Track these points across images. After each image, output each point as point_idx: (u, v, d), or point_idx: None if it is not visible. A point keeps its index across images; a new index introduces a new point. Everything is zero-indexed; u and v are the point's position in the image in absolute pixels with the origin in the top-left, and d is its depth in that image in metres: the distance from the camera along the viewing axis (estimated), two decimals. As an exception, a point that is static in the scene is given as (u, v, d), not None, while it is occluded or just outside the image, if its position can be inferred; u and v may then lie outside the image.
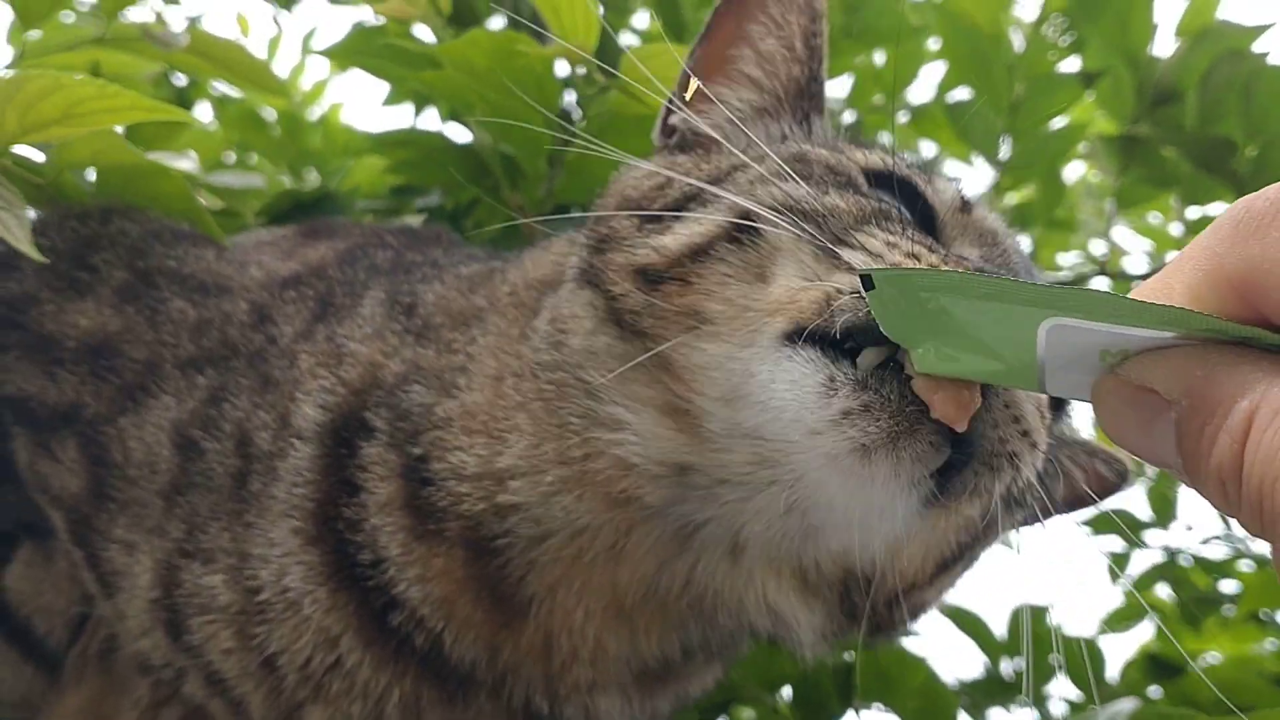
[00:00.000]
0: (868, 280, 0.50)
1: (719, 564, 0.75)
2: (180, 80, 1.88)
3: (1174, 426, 0.44)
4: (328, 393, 0.82)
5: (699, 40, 0.88)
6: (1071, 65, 1.57)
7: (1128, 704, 0.99)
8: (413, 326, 0.85)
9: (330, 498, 0.79)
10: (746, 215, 0.70)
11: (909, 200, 0.77)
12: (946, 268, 0.67)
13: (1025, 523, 0.74)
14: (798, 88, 0.88)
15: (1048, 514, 0.70)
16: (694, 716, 1.11)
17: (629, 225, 0.76)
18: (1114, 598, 2.10)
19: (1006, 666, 1.58)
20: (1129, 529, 2.03)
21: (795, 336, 0.65)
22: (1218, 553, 2.05)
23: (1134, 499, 2.09)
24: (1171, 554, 2.06)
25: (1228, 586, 2.05)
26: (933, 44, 1.69)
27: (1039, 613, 1.57)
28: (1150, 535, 2.08)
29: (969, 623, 1.55)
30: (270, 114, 1.79)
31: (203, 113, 1.89)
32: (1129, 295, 0.46)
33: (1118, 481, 0.91)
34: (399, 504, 0.78)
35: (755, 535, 0.73)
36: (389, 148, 1.29)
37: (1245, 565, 2.02)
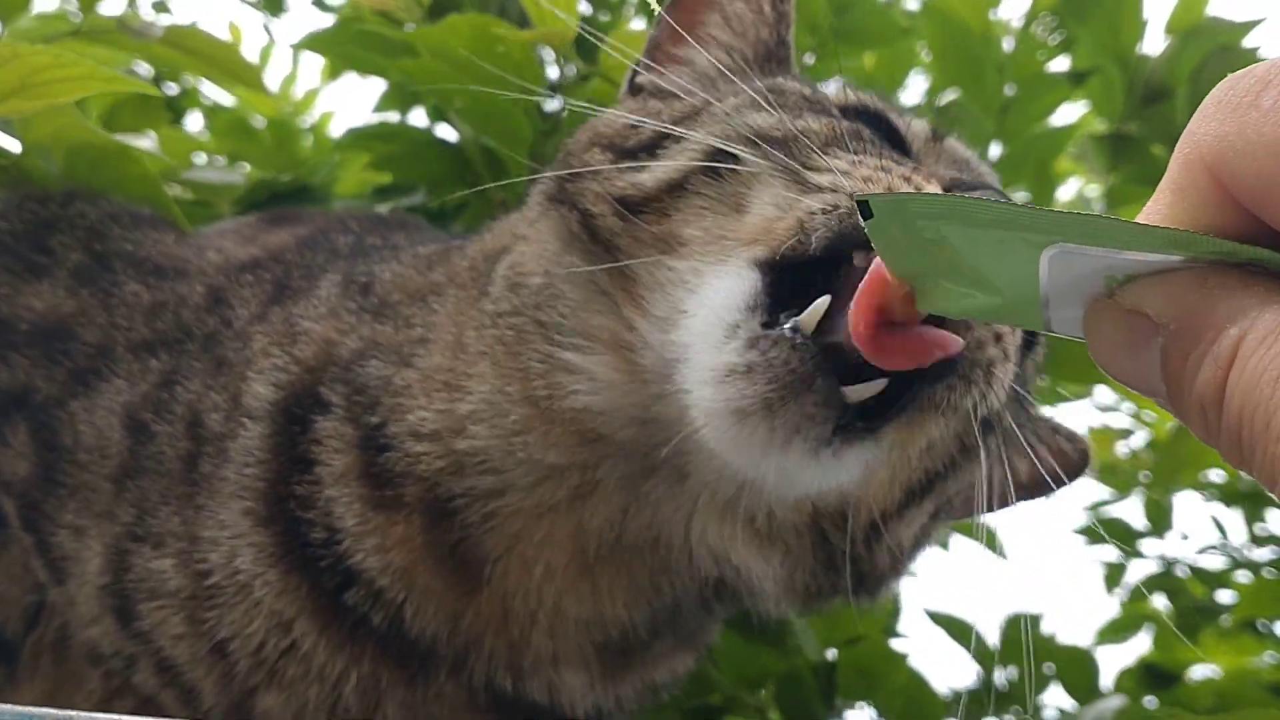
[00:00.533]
0: (865, 209, 0.47)
1: (676, 514, 0.74)
2: (171, 89, 1.88)
3: (1160, 351, 0.42)
4: (280, 370, 0.81)
5: (668, 6, 0.88)
6: (1061, 64, 1.56)
7: (1114, 701, 0.97)
8: (369, 305, 0.84)
9: (282, 477, 0.78)
10: (717, 150, 0.71)
11: (883, 132, 0.77)
12: (918, 178, 0.68)
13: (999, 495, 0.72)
14: (766, 50, 0.88)
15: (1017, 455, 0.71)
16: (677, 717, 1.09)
17: (604, 160, 0.76)
18: (1110, 608, 2.09)
19: (1000, 676, 1.56)
20: (1124, 539, 2.01)
21: (764, 268, 0.65)
22: (1214, 563, 2.03)
23: (1130, 508, 2.07)
24: (1168, 564, 2.04)
25: (1224, 597, 2.03)
26: (924, 49, 1.69)
27: (1033, 621, 1.56)
28: (1146, 545, 2.06)
29: (962, 632, 1.52)
30: (261, 122, 1.79)
31: (194, 122, 1.89)
32: None
33: (1080, 462, 0.88)
34: (355, 474, 0.76)
35: (704, 486, 0.72)
36: (370, 141, 1.27)
37: (1242, 576, 2.00)
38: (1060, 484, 0.84)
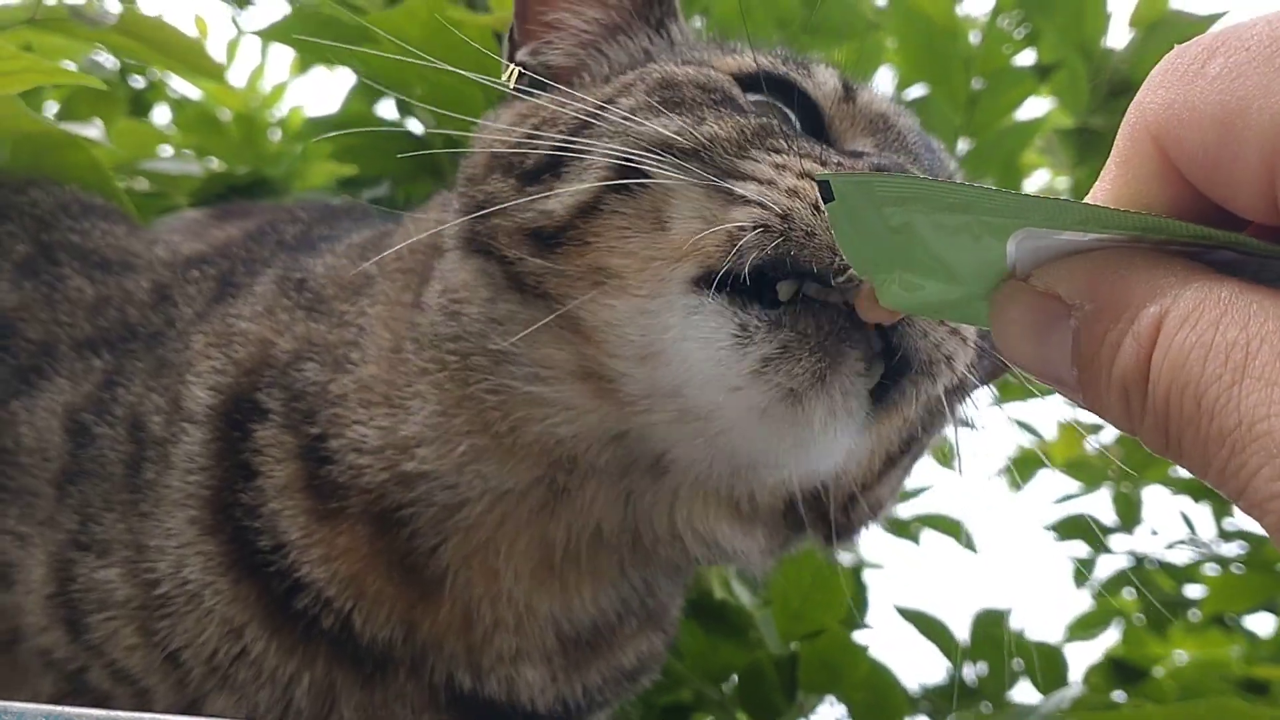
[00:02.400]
0: (827, 191, 0.45)
1: (656, 509, 0.73)
2: (138, 82, 1.85)
3: (1072, 334, 0.41)
4: (218, 373, 0.79)
5: None
6: (1027, 59, 1.56)
7: (1072, 690, 0.96)
8: (303, 301, 0.82)
9: (226, 484, 0.76)
10: (623, 163, 0.67)
11: (789, 98, 0.73)
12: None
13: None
14: None
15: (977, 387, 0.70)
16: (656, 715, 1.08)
17: (507, 187, 0.71)
18: (1080, 603, 2.09)
19: (969, 671, 1.55)
20: (1094, 533, 2.02)
21: (704, 282, 0.63)
22: (1183, 557, 2.03)
23: (1099, 503, 2.08)
24: (1137, 559, 2.05)
25: (1193, 591, 2.03)
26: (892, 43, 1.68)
27: (1001, 617, 1.56)
28: (1115, 540, 2.07)
29: (931, 627, 1.52)
30: (227, 116, 1.77)
31: (160, 115, 1.87)
32: None
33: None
34: (298, 486, 0.75)
35: (688, 481, 0.71)
36: (330, 130, 1.26)
37: (1211, 569, 2.01)
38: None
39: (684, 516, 0.73)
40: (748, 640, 1.00)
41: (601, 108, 0.71)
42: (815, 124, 0.74)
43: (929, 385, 0.65)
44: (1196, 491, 2.01)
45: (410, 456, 0.73)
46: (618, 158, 0.67)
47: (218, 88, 1.72)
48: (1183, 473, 2.00)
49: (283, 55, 1.99)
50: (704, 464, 0.69)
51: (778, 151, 0.66)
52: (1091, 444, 2.13)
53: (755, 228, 0.61)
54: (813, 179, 0.62)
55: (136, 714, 0.43)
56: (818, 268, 0.60)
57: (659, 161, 0.65)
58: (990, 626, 1.52)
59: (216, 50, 1.92)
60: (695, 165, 0.65)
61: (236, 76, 1.84)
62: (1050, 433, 2.09)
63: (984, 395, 0.85)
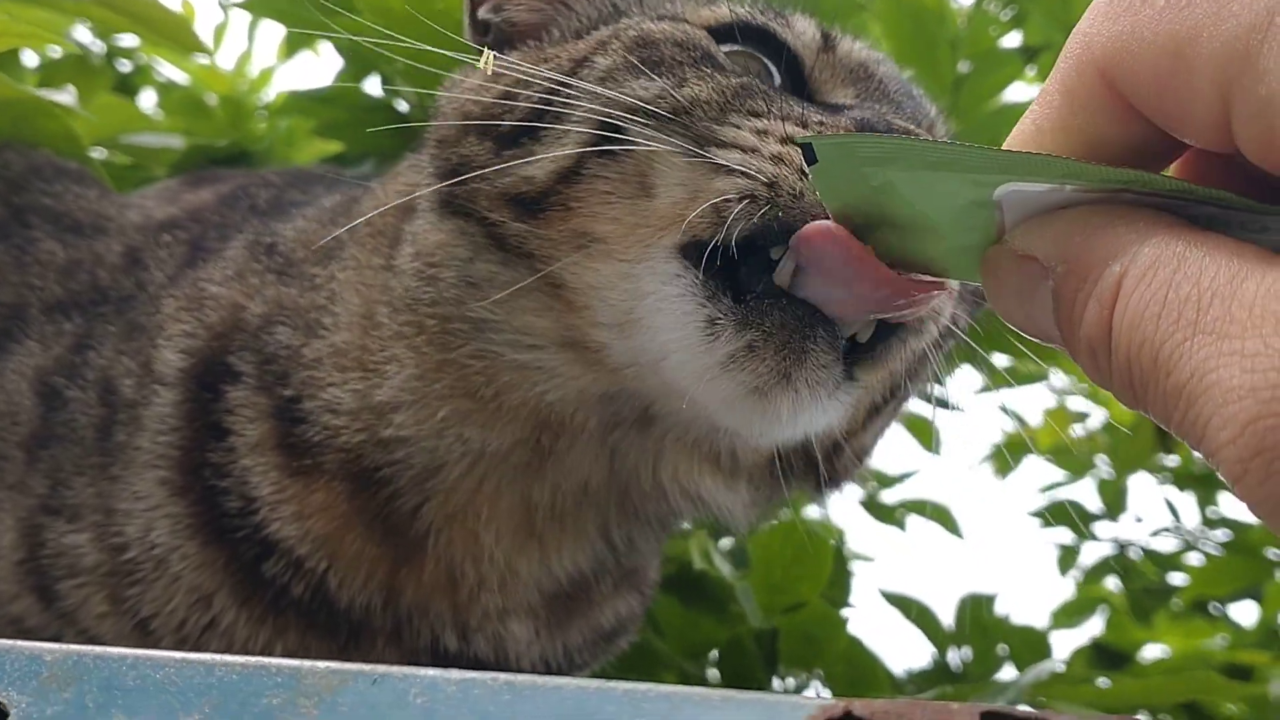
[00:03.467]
0: (810, 154, 0.46)
1: (642, 467, 0.73)
2: (125, 66, 1.84)
3: (1052, 295, 0.42)
4: (189, 337, 0.79)
5: None
6: (1013, 41, 1.56)
7: (1049, 665, 0.96)
8: (274, 265, 0.81)
9: (197, 444, 0.75)
10: (603, 126, 0.66)
11: (770, 49, 0.72)
12: (828, 133, 0.64)
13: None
14: None
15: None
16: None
17: (484, 150, 0.70)
18: (1064, 590, 2.09)
19: (954, 656, 1.55)
20: (1079, 521, 2.02)
21: (691, 251, 0.63)
22: (1167, 545, 2.04)
23: (1084, 490, 2.08)
24: (1121, 546, 2.05)
25: (1177, 579, 2.04)
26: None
27: (986, 601, 1.56)
28: (1100, 528, 2.07)
29: (916, 612, 1.52)
30: (214, 99, 1.76)
31: (147, 99, 1.86)
32: None
33: None
34: (271, 444, 0.74)
35: (672, 438, 0.72)
36: (313, 106, 1.25)
37: (1194, 558, 2.01)
38: None
39: (668, 471, 0.73)
40: (728, 614, 0.99)
41: (577, 67, 0.70)
42: (795, 75, 0.73)
43: (915, 340, 0.65)
44: (1181, 480, 2.02)
45: (387, 422, 0.72)
46: (598, 120, 0.66)
47: (204, 70, 1.71)
48: (1168, 461, 2.01)
49: (269, 39, 1.98)
50: (686, 421, 0.70)
51: (758, 115, 0.65)
52: (1077, 431, 2.14)
53: (741, 198, 0.60)
54: (795, 143, 0.61)
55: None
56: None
57: (640, 126, 0.64)
58: (975, 611, 1.52)
59: (204, 35, 1.91)
60: (676, 131, 0.64)
61: (224, 61, 1.84)
62: (1036, 419, 2.11)
63: (969, 381, 0.85)
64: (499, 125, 0.71)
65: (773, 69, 0.71)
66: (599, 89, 0.67)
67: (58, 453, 0.78)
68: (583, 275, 0.66)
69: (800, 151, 0.48)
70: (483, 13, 0.80)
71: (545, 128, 0.68)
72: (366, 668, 0.40)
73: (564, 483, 0.73)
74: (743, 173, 0.61)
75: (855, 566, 1.45)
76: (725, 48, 0.71)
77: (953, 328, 0.68)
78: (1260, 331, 0.34)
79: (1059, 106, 0.42)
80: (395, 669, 0.40)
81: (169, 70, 1.80)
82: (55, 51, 1.41)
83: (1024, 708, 0.37)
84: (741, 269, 0.62)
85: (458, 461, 0.72)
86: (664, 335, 0.63)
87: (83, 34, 1.61)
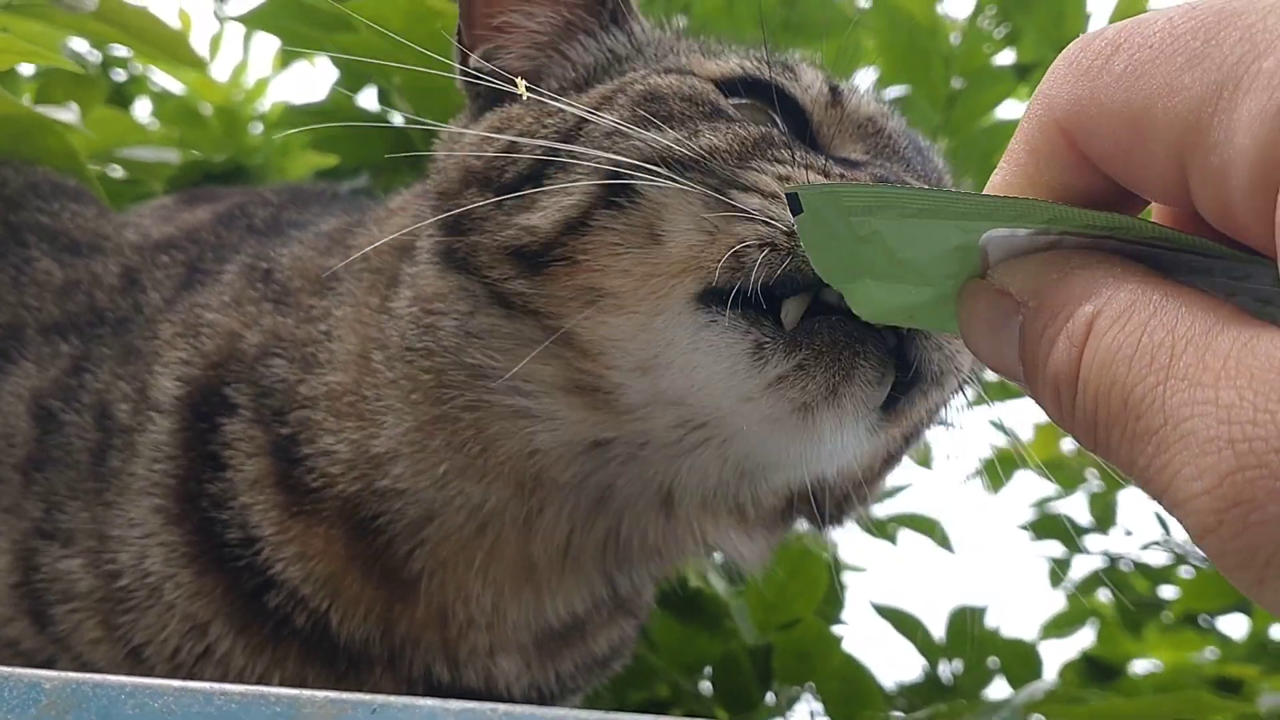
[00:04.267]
0: (795, 204, 0.46)
1: (648, 520, 0.73)
2: (120, 76, 1.84)
3: (1019, 330, 0.42)
4: (185, 364, 0.78)
5: None
6: (1007, 58, 1.57)
7: (1043, 684, 0.97)
8: (270, 293, 0.81)
9: (193, 473, 0.75)
10: (616, 175, 0.64)
11: (775, 104, 0.72)
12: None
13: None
14: None
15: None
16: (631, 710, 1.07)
17: (484, 202, 0.69)
18: (1055, 603, 2.10)
19: (945, 669, 1.56)
20: (1070, 533, 2.03)
21: (709, 298, 0.62)
22: (1157, 559, 2.05)
23: (1075, 504, 2.09)
24: (1112, 559, 2.06)
25: (1167, 592, 2.04)
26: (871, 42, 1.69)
27: (977, 614, 1.56)
28: (1091, 540, 2.08)
29: (907, 625, 1.52)
30: (209, 110, 1.76)
31: (142, 109, 1.86)
32: None
33: None
34: (270, 481, 0.74)
35: (688, 489, 0.71)
36: (309, 119, 1.25)
37: (1185, 572, 2.02)
38: None
39: (695, 535, 0.73)
40: (723, 630, 1.00)
41: (583, 122, 0.69)
42: (801, 130, 0.72)
43: (938, 394, 0.65)
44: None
45: (384, 474, 0.72)
46: (608, 171, 0.65)
47: (200, 81, 1.71)
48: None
49: (265, 50, 1.98)
50: (714, 475, 0.69)
51: (780, 162, 0.64)
52: (1067, 445, 2.15)
53: (762, 246, 0.60)
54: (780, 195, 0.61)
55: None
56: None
57: (654, 174, 0.63)
58: (966, 624, 1.52)
59: (199, 45, 1.92)
60: (694, 177, 0.63)
61: (219, 71, 1.84)
62: (1027, 434, 2.11)
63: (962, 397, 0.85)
64: (503, 175, 0.70)
65: (780, 124, 0.71)
66: (606, 140, 0.67)
67: (52, 476, 0.78)
68: (596, 329, 0.65)
69: (787, 201, 0.48)
70: (474, 62, 0.79)
71: (551, 178, 0.67)
72: (366, 698, 0.41)
73: (554, 537, 0.73)
74: (764, 220, 0.60)
75: (847, 578, 1.45)
76: (731, 101, 0.71)
77: (971, 377, 0.68)
78: (1235, 383, 0.34)
79: (1025, 163, 0.43)
80: (395, 699, 0.40)
81: (164, 80, 1.80)
82: (51, 63, 1.41)
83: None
84: (761, 311, 0.62)
85: (455, 513, 0.72)
86: (701, 369, 0.62)
87: (78, 43, 1.61)
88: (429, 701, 0.40)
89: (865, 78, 1.73)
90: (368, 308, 0.76)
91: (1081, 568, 2.08)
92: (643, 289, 0.64)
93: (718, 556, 1.17)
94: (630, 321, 0.64)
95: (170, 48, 1.20)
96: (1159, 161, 0.39)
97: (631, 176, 0.63)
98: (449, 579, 0.73)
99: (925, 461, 1.76)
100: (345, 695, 0.40)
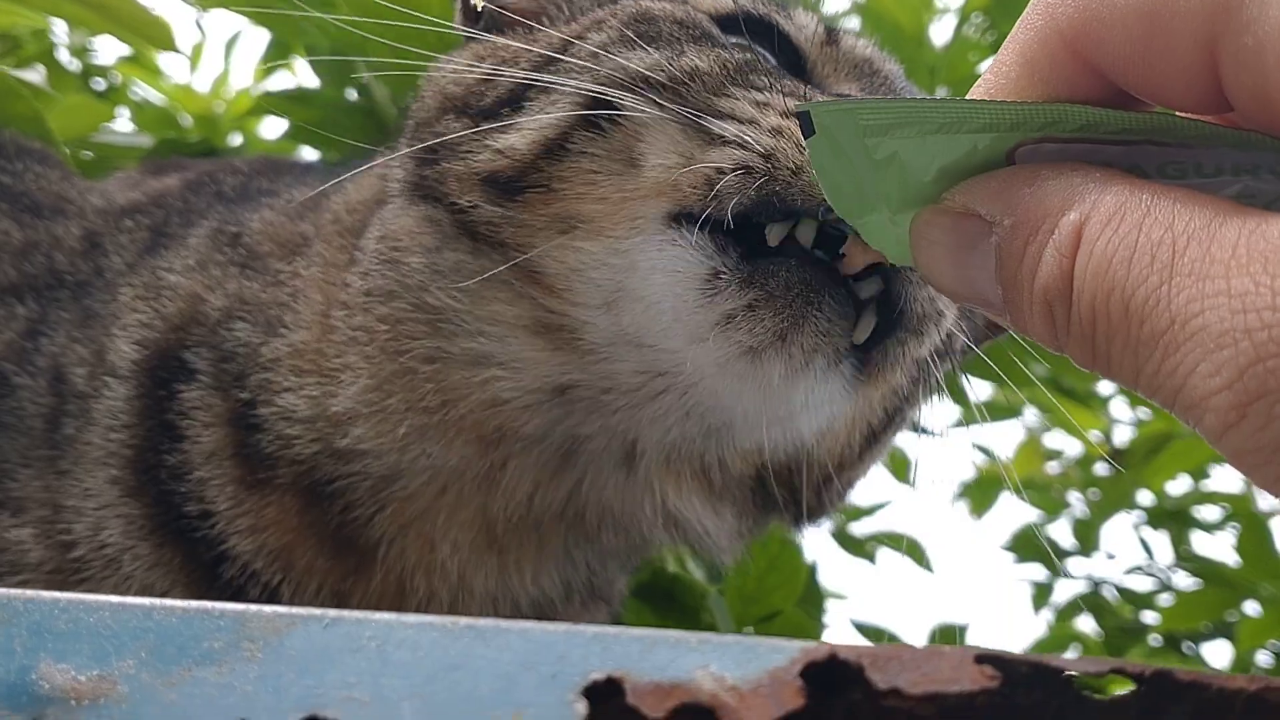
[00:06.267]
0: (807, 124, 0.42)
1: (609, 476, 0.70)
2: (99, 84, 1.83)
3: (994, 251, 0.39)
4: (144, 327, 0.75)
5: None
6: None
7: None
8: (237, 257, 0.78)
9: (150, 444, 0.72)
10: (593, 101, 0.63)
11: (770, 42, 0.70)
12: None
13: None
14: None
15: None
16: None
17: (460, 127, 0.67)
18: (1038, 628, 2.08)
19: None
20: (1052, 555, 2.01)
21: (680, 219, 0.60)
22: (1141, 584, 2.03)
23: (1058, 527, 2.07)
24: (1095, 584, 2.04)
25: (1150, 618, 2.03)
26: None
27: (958, 632, 1.53)
28: (1073, 564, 2.06)
29: (888, 642, 1.49)
30: (189, 121, 1.74)
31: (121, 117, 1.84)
32: None
33: None
34: (227, 453, 0.71)
35: (651, 442, 0.68)
36: (285, 104, 1.23)
37: (1167, 599, 2.00)
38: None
39: (656, 498, 0.70)
40: (700, 622, 0.97)
41: (568, 45, 0.68)
42: (797, 68, 0.71)
43: (916, 345, 0.63)
44: (1155, 519, 2.01)
45: (343, 433, 0.69)
46: (588, 93, 0.63)
47: (180, 90, 1.70)
48: (1142, 499, 2.00)
49: (246, 61, 1.97)
50: (676, 428, 0.67)
51: (760, 89, 0.63)
52: (1053, 468, 2.14)
53: (735, 169, 0.58)
54: (793, 113, 0.59)
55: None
56: (806, 205, 0.58)
57: (633, 96, 0.62)
58: (946, 641, 1.49)
59: (179, 63, 1.90)
60: (671, 100, 0.62)
61: (200, 84, 1.83)
62: (1010, 455, 2.10)
63: (946, 412, 0.82)
64: (481, 100, 0.68)
65: (774, 62, 0.69)
66: (589, 63, 0.65)
67: (3, 442, 0.75)
68: (564, 259, 0.64)
69: (798, 121, 0.45)
70: (476, 1, 0.78)
71: (531, 99, 0.66)
72: (318, 611, 0.38)
73: (516, 494, 0.70)
74: (738, 143, 0.59)
75: (827, 603, 1.42)
76: (728, 38, 0.70)
77: (950, 345, 0.66)
78: (1248, 270, 0.33)
79: (1016, 76, 0.41)
80: (349, 613, 0.38)
81: (144, 90, 1.78)
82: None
83: (1018, 652, 0.35)
84: (734, 240, 0.60)
85: (419, 474, 0.69)
86: (658, 299, 0.61)
87: (59, 54, 1.60)
88: (385, 615, 0.37)
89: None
90: (335, 266, 0.74)
91: (1064, 592, 2.07)
92: (618, 213, 0.62)
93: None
94: (600, 247, 0.62)
95: (150, 32, 1.18)
96: (1183, 54, 0.36)
97: (610, 99, 0.62)
98: (409, 545, 0.70)
99: (904, 476, 1.74)
100: (295, 610, 0.38)
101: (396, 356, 0.68)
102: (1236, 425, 0.33)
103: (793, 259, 0.59)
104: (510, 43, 0.71)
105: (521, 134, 0.65)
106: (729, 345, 0.59)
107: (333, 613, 0.38)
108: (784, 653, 0.35)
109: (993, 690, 0.33)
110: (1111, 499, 1.99)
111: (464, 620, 0.37)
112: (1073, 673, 0.34)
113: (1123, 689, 0.34)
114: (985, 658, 0.34)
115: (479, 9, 0.78)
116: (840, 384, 0.62)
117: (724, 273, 0.59)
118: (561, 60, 0.67)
